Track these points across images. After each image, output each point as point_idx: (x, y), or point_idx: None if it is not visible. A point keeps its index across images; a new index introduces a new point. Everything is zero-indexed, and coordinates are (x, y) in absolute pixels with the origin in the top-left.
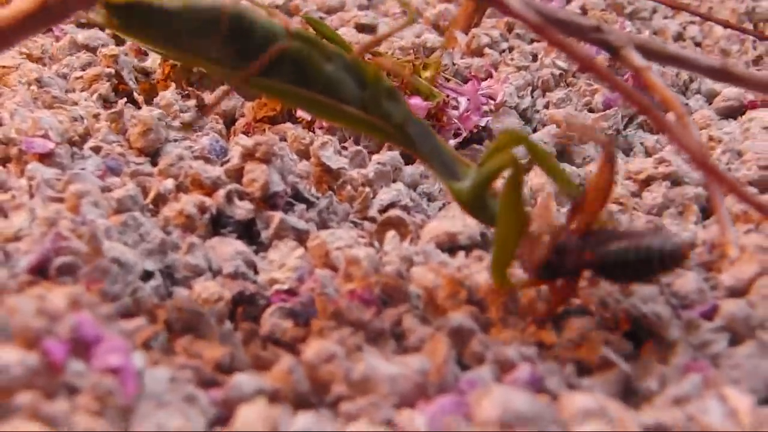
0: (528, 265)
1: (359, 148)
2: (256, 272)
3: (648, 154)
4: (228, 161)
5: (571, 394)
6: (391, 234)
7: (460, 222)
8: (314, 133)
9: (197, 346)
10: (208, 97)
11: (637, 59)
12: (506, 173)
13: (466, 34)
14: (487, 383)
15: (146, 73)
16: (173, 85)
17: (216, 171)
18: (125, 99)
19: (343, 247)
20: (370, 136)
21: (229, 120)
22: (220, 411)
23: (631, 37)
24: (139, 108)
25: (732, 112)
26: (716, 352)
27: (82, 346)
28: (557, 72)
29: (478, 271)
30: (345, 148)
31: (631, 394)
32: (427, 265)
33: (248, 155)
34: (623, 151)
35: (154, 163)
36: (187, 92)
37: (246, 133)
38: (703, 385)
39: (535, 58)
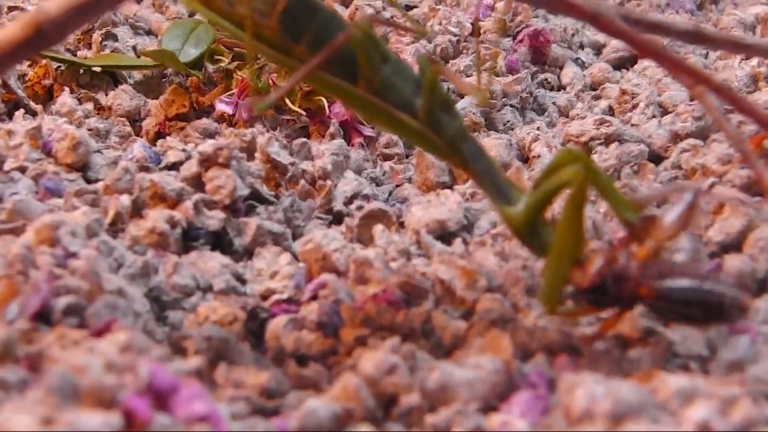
0: (580, 287)
1: (303, 140)
2: (242, 284)
3: (561, 113)
4: (166, 167)
5: (659, 376)
6: (379, 228)
7: (445, 208)
8: (234, 128)
9: (236, 373)
10: (104, 99)
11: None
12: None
13: (347, 7)
14: (567, 374)
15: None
16: (66, 89)
17: (177, 182)
18: (23, 110)
19: (340, 248)
20: (420, 147)
21: (132, 120)
22: None
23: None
24: (35, 116)
25: (623, 62)
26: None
27: (160, 397)
28: (454, 39)
29: (485, 257)
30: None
31: (672, 362)
32: (437, 257)
33: (206, 161)
34: (534, 111)
35: (86, 178)
36: (79, 95)
37: (162, 133)
38: (753, 345)
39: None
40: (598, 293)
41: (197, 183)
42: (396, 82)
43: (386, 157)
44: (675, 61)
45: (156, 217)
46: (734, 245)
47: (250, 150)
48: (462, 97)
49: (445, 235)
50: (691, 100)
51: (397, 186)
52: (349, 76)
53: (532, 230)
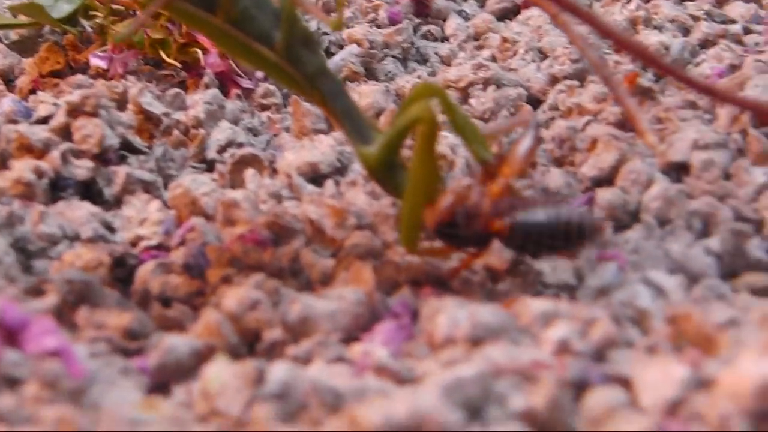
0: (431, 225)
1: (177, 90)
2: (112, 232)
3: (443, 62)
4: (37, 122)
5: (522, 300)
6: (250, 172)
7: (317, 151)
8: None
9: (98, 315)
10: None
11: None
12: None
13: None
14: (430, 301)
15: None
16: None
17: (44, 132)
18: None
19: (209, 192)
20: (278, 82)
21: (7, 80)
22: (153, 379)
23: None
24: None
25: (507, 14)
26: (605, 240)
27: (9, 333)
28: None
29: (356, 196)
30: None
31: (542, 292)
32: (307, 198)
33: (74, 110)
34: (417, 62)
35: None
36: None
37: (35, 90)
38: (621, 272)
39: None
40: (451, 232)
41: (65, 133)
42: (255, 13)
43: (263, 108)
44: None
45: (22, 167)
46: (607, 179)
47: (122, 101)
48: (342, 48)
49: (317, 178)
50: (570, 43)
51: (275, 135)
52: (207, 5)
53: (386, 170)
